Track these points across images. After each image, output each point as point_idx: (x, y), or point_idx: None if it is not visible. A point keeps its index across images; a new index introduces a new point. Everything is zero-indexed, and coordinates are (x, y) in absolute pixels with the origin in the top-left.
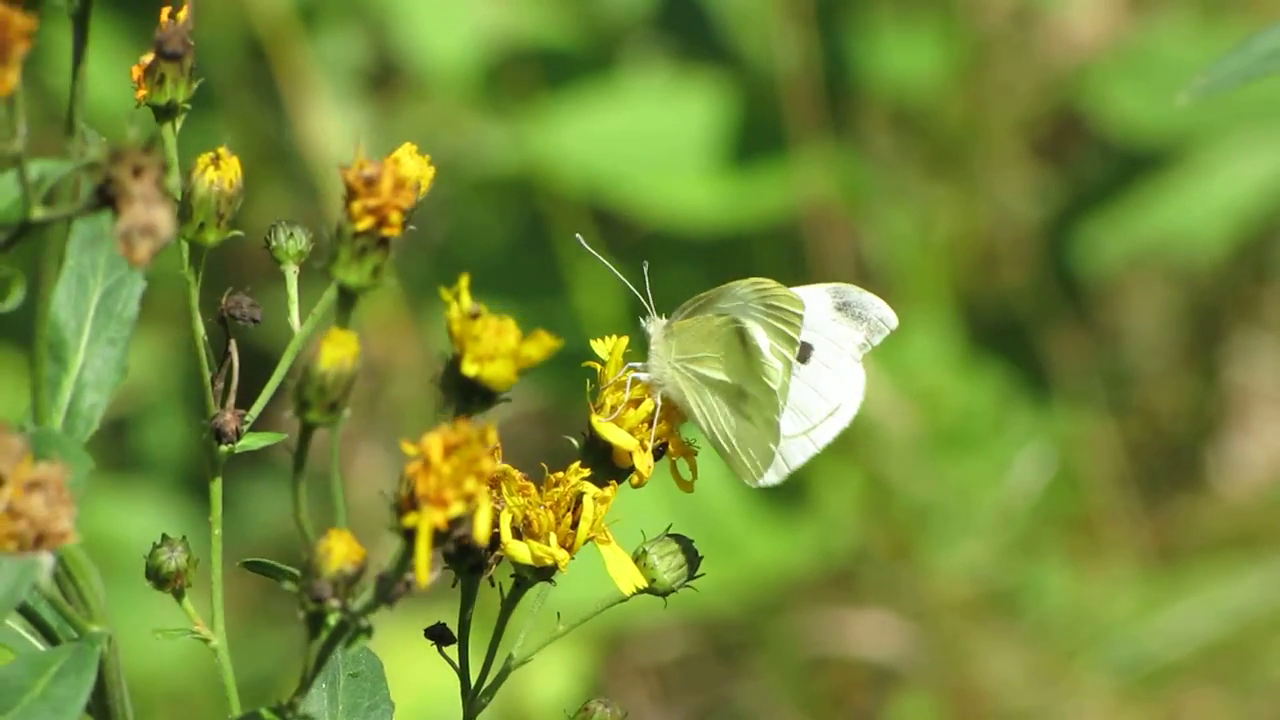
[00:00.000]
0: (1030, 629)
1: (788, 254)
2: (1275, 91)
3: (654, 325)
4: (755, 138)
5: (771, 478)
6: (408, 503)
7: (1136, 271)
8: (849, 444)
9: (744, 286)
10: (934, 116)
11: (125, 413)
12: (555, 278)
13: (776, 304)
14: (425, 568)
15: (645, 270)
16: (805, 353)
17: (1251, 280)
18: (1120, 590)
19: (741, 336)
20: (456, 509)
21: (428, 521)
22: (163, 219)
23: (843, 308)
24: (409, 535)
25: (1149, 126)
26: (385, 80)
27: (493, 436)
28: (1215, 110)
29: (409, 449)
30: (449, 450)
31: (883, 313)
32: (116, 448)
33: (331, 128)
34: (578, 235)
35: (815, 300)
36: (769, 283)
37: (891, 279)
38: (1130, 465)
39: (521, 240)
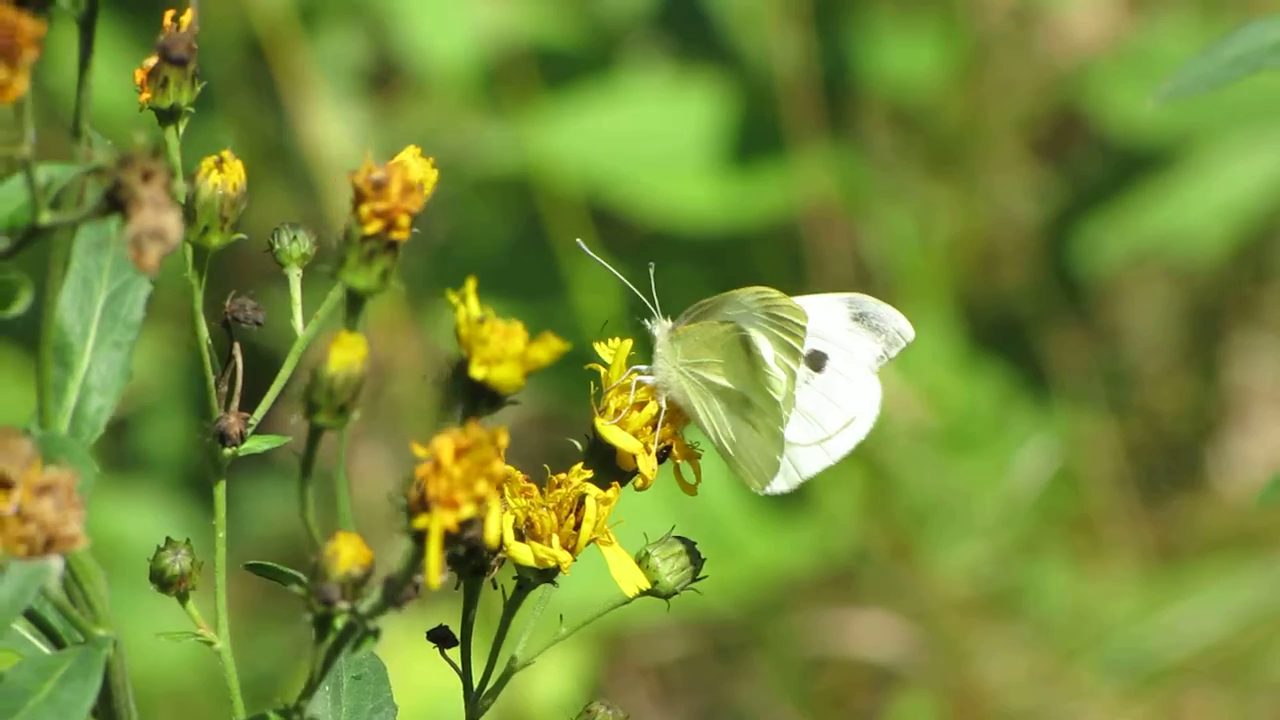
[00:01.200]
0: (1031, 629)
1: (788, 254)
2: (1275, 91)
3: (659, 328)
4: (755, 137)
5: (781, 485)
6: (418, 505)
7: (1136, 271)
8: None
9: (748, 295)
10: (934, 116)
11: (127, 413)
12: (555, 278)
13: (780, 314)
14: (436, 570)
15: (651, 272)
16: (820, 361)
17: (1251, 280)
18: (1121, 590)
19: (745, 345)
20: (468, 511)
21: (439, 523)
22: (172, 224)
23: (859, 318)
24: (419, 538)
25: (1149, 126)
26: (385, 80)
27: (504, 439)
28: (1215, 111)
29: (420, 451)
30: (460, 453)
31: (900, 325)
32: (118, 448)
33: (331, 128)
34: (579, 240)
35: (831, 310)
36: (773, 292)
37: (892, 279)
38: (1131, 465)
39: (522, 240)
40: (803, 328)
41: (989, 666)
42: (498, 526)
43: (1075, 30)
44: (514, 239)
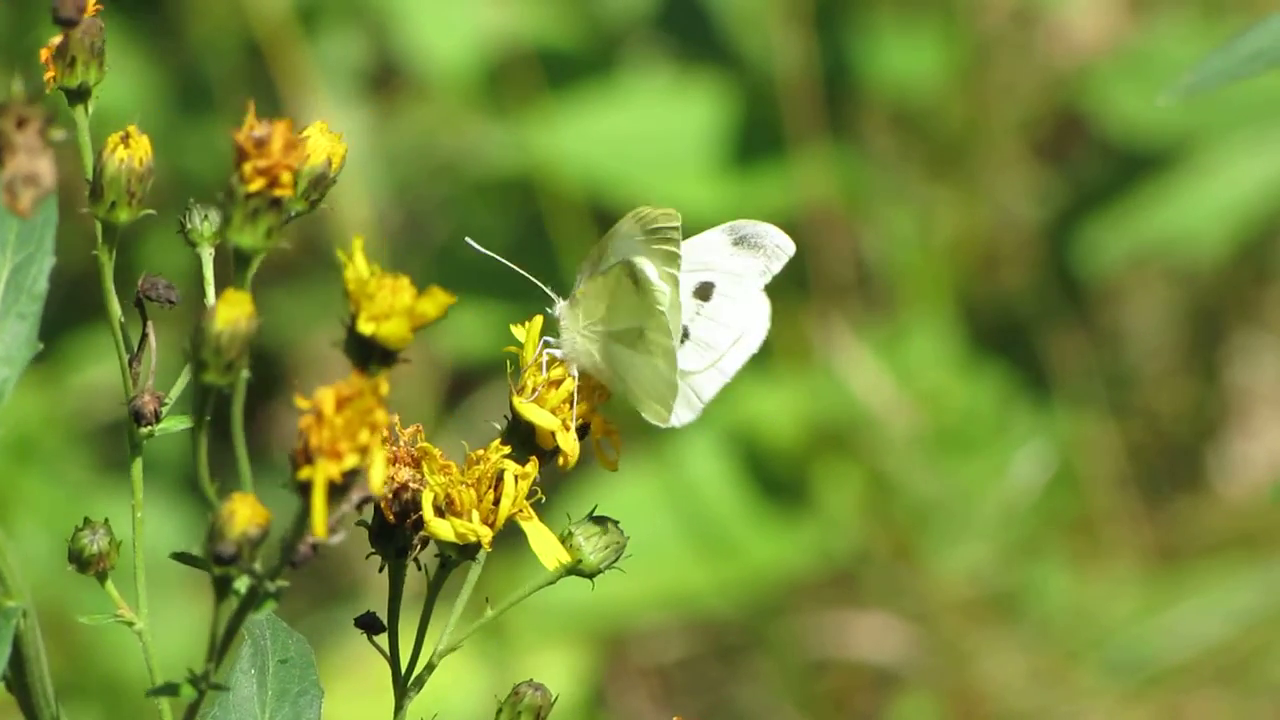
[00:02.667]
0: (1031, 630)
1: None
2: (1276, 92)
3: (559, 306)
4: (756, 138)
5: (686, 415)
6: (302, 456)
7: (1138, 272)
8: (849, 445)
9: (625, 223)
10: (934, 117)
11: (125, 414)
12: (556, 278)
13: (653, 225)
14: (322, 520)
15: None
16: (708, 291)
17: (1253, 281)
18: (1121, 591)
19: (633, 276)
20: (351, 461)
21: (322, 474)
22: (45, 168)
23: (739, 241)
24: (305, 490)
25: (1150, 127)
26: (385, 81)
27: (385, 388)
28: (1216, 111)
29: (302, 403)
30: (342, 403)
31: (779, 240)
32: (115, 449)
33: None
34: (468, 239)
35: (713, 240)
36: (645, 209)
37: (892, 280)
38: (1131, 466)
39: (522, 241)
40: (675, 229)
41: (990, 668)
42: (382, 474)
43: (1076, 31)
44: (514, 240)
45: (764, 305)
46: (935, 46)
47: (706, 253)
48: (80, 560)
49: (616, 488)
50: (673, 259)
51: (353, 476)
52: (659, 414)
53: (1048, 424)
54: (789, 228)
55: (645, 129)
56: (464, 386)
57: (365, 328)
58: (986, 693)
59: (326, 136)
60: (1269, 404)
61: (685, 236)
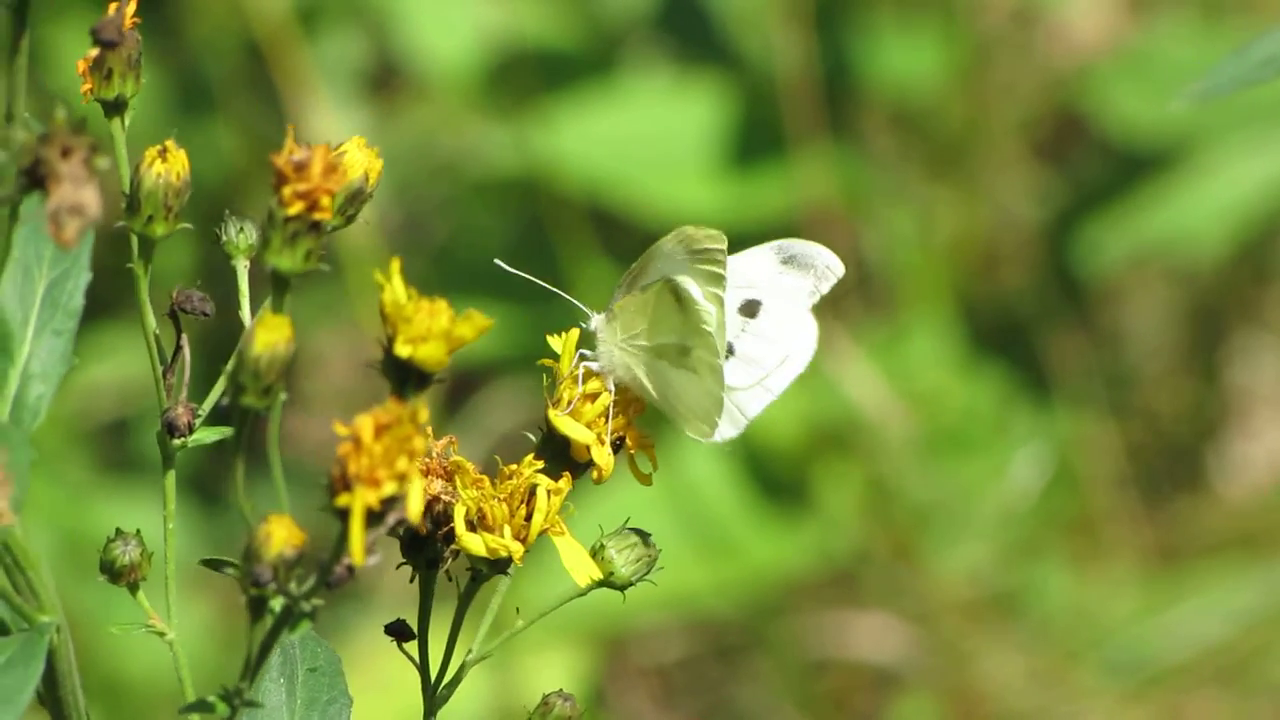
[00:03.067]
0: (1031, 630)
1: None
2: (1276, 93)
3: (595, 319)
4: (756, 139)
5: (729, 430)
6: (340, 483)
7: (1137, 272)
8: (850, 446)
9: (669, 242)
10: (934, 117)
11: (127, 414)
12: (556, 278)
13: (698, 246)
14: (360, 547)
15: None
16: (754, 308)
17: (1252, 281)
18: (1121, 591)
19: (675, 294)
20: (389, 488)
21: (360, 501)
22: (90, 198)
23: (788, 260)
24: (342, 516)
25: (1150, 127)
26: (385, 81)
27: (424, 415)
28: (1216, 112)
29: (340, 430)
30: (380, 430)
31: (829, 260)
32: (117, 449)
33: (332, 130)
34: (498, 260)
35: (761, 258)
36: (689, 229)
37: (892, 280)
38: (1131, 466)
39: (522, 241)
40: (721, 250)
41: (989, 668)
42: (419, 503)
43: (1076, 31)
44: (514, 240)
45: (812, 325)
46: (935, 46)
47: (752, 270)
48: (112, 571)
49: (617, 489)
50: (718, 280)
51: (390, 503)
52: (702, 430)
53: (1047, 424)
54: (789, 227)
55: (645, 129)
56: (465, 387)
57: (403, 351)
58: (986, 693)
59: (363, 151)
60: (1269, 404)
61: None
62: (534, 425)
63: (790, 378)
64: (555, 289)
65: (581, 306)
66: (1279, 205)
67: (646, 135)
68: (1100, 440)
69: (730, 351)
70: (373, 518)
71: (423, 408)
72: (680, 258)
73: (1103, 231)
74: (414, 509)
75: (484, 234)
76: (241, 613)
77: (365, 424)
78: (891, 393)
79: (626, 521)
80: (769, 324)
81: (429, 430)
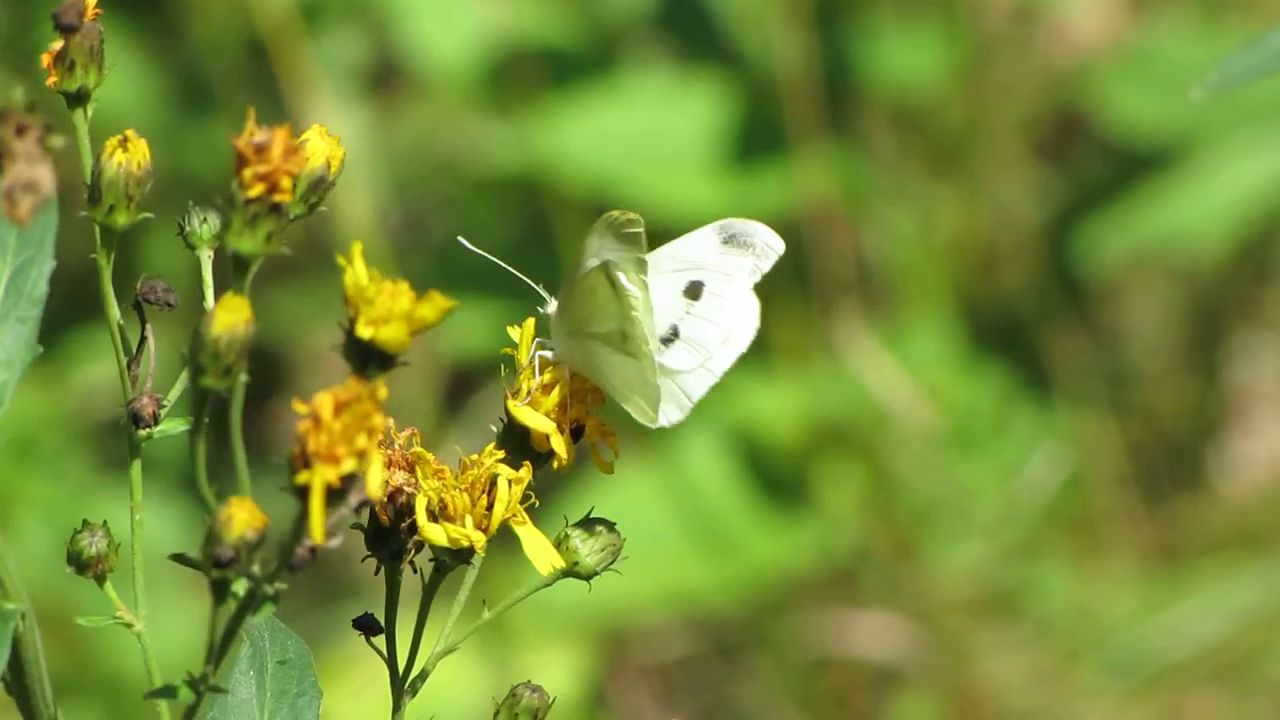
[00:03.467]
0: (1032, 629)
1: (789, 254)
2: (1275, 92)
3: (550, 306)
4: (756, 137)
5: (675, 414)
6: (300, 460)
7: (1138, 271)
8: (851, 443)
9: (598, 226)
10: (935, 116)
11: (124, 412)
12: (556, 277)
13: (622, 227)
14: (319, 525)
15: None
16: (697, 290)
17: (1253, 280)
18: (1122, 590)
19: (609, 279)
20: (348, 465)
21: (320, 478)
22: (44, 175)
23: (729, 240)
24: (302, 494)
25: (1150, 126)
26: (386, 80)
27: (383, 392)
28: (1217, 110)
29: (300, 408)
30: (340, 408)
31: (768, 238)
32: (115, 447)
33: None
34: (460, 238)
35: (703, 240)
36: (614, 212)
37: (893, 279)
38: (1131, 465)
39: (522, 240)
40: (639, 225)
41: (990, 666)
42: (379, 479)
43: (1076, 30)
44: (514, 239)
45: (753, 304)
46: (936, 45)
47: (697, 251)
48: (79, 562)
49: (616, 487)
50: (640, 264)
51: (350, 481)
52: (646, 413)
53: (1048, 423)
54: (790, 226)
55: (646, 127)
56: (465, 386)
57: (364, 332)
58: (987, 691)
59: (325, 140)
60: (1269, 403)
61: (679, 235)
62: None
63: (732, 358)
64: (516, 273)
65: (544, 294)
66: (1279, 204)
67: (647, 133)
68: (1100, 439)
69: (675, 334)
70: (333, 495)
71: (381, 386)
72: (610, 243)
73: (1103, 230)
74: (374, 485)
75: (484, 232)
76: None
77: (324, 401)
78: (911, 385)
79: (592, 511)
80: (711, 306)
81: (389, 415)
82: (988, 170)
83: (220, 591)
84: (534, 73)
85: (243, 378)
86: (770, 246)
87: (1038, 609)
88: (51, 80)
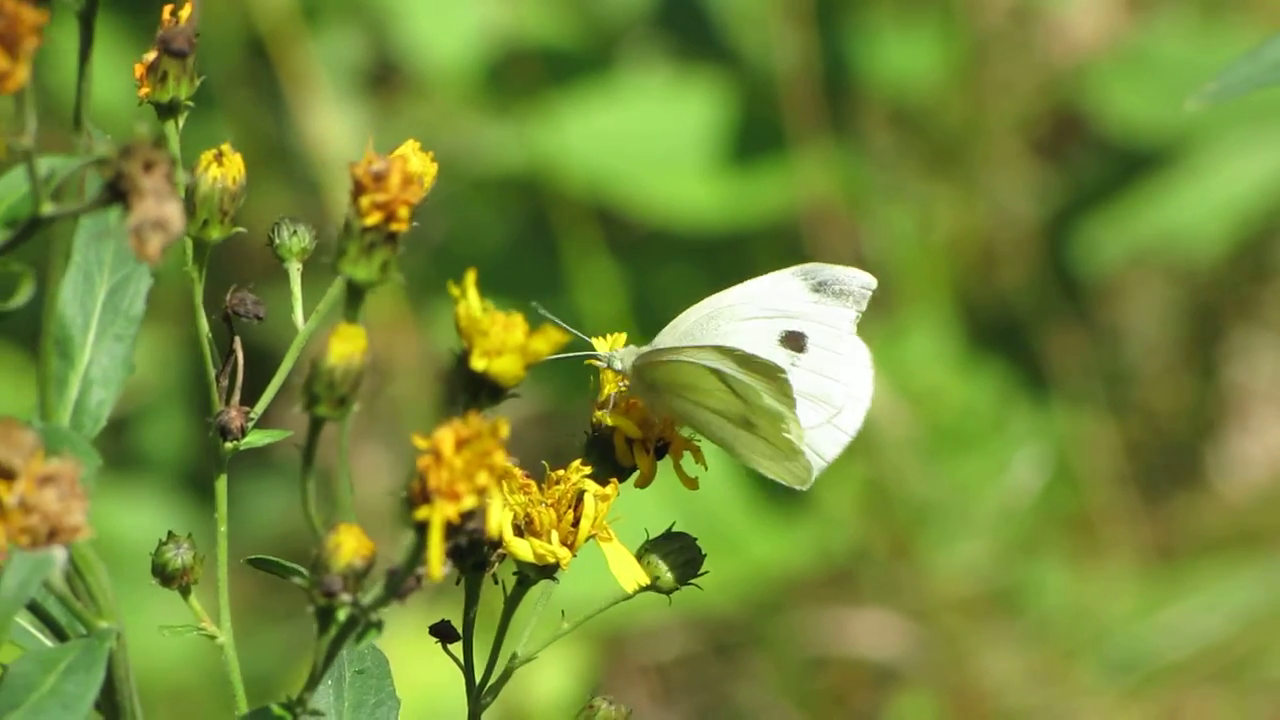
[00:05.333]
0: (1030, 628)
1: (788, 253)
2: (1273, 92)
3: (617, 356)
4: (755, 136)
5: (808, 475)
6: (419, 496)
7: (1136, 270)
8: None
9: (709, 357)
10: (933, 115)
11: (127, 411)
12: (555, 277)
13: (827, 283)
14: (438, 561)
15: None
16: (799, 341)
17: (1251, 279)
18: (1120, 589)
19: (722, 379)
20: (469, 502)
21: (440, 515)
22: (174, 213)
23: (820, 287)
24: (421, 529)
25: (1148, 126)
26: (386, 79)
27: (505, 430)
28: (1215, 110)
29: (421, 443)
30: (461, 444)
31: (861, 280)
32: (117, 445)
33: (332, 126)
34: (534, 303)
35: (788, 285)
36: (736, 350)
37: (891, 278)
38: (1130, 464)
39: (522, 239)
40: (854, 286)
41: (988, 665)
42: (499, 517)
43: (1074, 30)
44: (513, 238)
45: (866, 355)
46: (934, 44)
47: (784, 297)
48: (164, 574)
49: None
50: (786, 395)
51: (469, 517)
52: (785, 478)
53: (1046, 422)
54: (788, 225)
55: (644, 127)
56: None
57: (479, 364)
58: (985, 690)
59: (419, 156)
60: (1267, 402)
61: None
62: (539, 420)
63: (861, 416)
64: (569, 328)
65: (590, 343)
66: (1277, 203)
67: (645, 132)
68: (1099, 438)
69: None
70: (450, 531)
71: (504, 423)
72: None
73: (1101, 229)
74: (493, 524)
75: (483, 231)
76: (258, 608)
77: (446, 437)
78: (894, 390)
79: (673, 526)
80: (826, 361)
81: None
82: (986, 169)
83: (325, 620)
84: (533, 72)
85: (355, 407)
86: (866, 289)
87: (1036, 608)
88: (144, 91)
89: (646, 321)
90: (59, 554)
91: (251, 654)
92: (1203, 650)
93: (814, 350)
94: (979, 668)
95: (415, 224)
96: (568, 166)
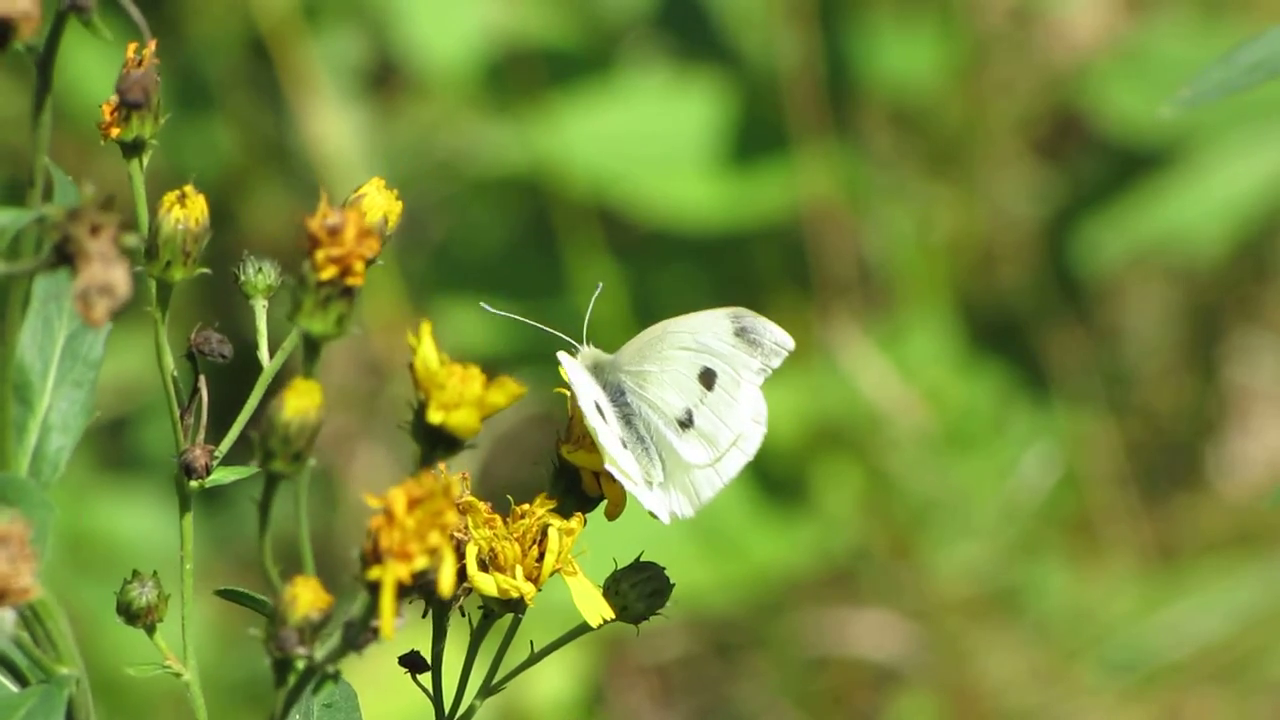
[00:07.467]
0: (1031, 628)
1: (788, 253)
2: (1273, 92)
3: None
4: (755, 137)
5: (686, 509)
6: (372, 556)
7: (1136, 270)
8: (849, 443)
9: (718, 316)
10: (933, 116)
11: (126, 412)
12: (555, 277)
13: (749, 331)
14: (390, 621)
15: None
16: (710, 379)
17: (1251, 279)
18: (1120, 590)
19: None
20: (421, 563)
21: (391, 575)
22: (120, 278)
23: (740, 333)
24: (374, 588)
25: (1148, 126)
26: (386, 79)
27: (457, 489)
28: (1214, 110)
29: (373, 502)
30: (413, 504)
31: (777, 336)
32: (115, 447)
33: (332, 127)
34: (484, 304)
35: (716, 324)
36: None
37: (891, 278)
38: (1130, 464)
39: (521, 239)
40: (765, 338)
41: (989, 666)
42: (451, 578)
43: (1074, 30)
44: (512, 238)
45: (763, 407)
46: (934, 45)
47: (709, 335)
48: (129, 613)
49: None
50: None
51: (420, 577)
52: (661, 504)
53: (1046, 422)
54: (789, 225)
55: (645, 127)
56: None
57: (435, 417)
58: (986, 690)
59: (383, 194)
60: (1267, 402)
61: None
62: (531, 423)
63: (740, 466)
64: (559, 334)
65: (569, 341)
66: (1277, 203)
67: (646, 133)
68: (1099, 438)
69: (690, 420)
70: (403, 590)
71: (455, 481)
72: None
73: (1101, 229)
74: (445, 584)
75: (483, 231)
76: (242, 611)
77: (398, 497)
78: (902, 386)
79: (641, 556)
80: (723, 403)
81: (463, 501)
82: (986, 169)
83: (282, 672)
84: (533, 72)
85: (311, 463)
86: (780, 346)
87: (1036, 608)
88: (113, 131)
89: (647, 322)
90: (6, 615)
91: (250, 654)
92: (1203, 650)
93: (718, 391)
94: (980, 668)
95: (379, 263)
96: (568, 167)
